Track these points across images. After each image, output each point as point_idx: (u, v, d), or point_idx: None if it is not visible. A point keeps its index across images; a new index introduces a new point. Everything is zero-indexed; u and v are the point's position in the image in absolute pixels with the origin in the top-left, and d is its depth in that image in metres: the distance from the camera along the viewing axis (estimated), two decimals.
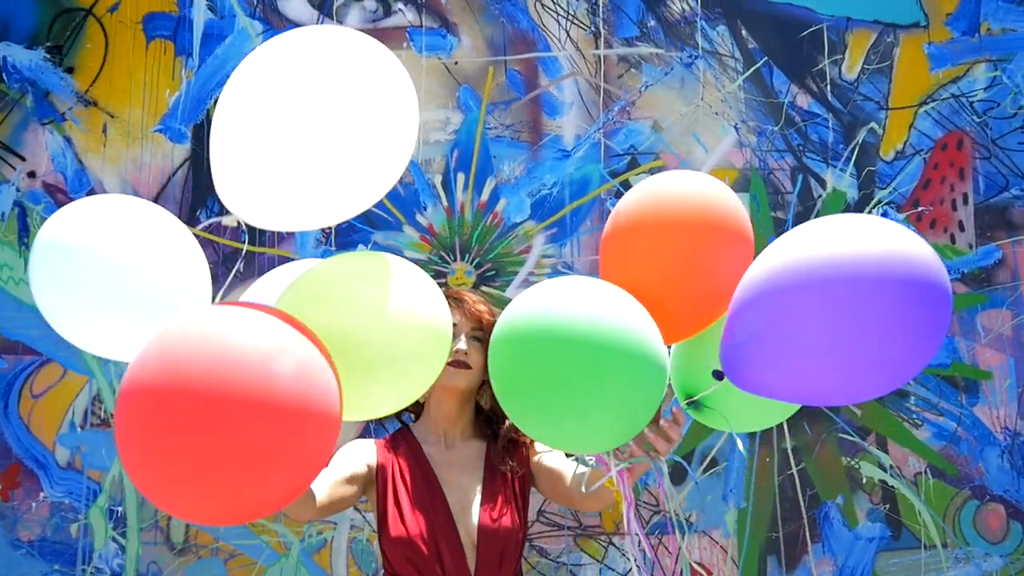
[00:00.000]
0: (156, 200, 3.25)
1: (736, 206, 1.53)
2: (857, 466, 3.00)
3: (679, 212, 1.47)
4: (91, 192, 3.24)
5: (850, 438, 3.04)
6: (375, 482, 1.79)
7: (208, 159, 3.18)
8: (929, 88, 3.25)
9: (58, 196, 3.24)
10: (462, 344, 1.76)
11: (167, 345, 1.19)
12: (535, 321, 1.36)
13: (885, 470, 3.01)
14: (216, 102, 3.26)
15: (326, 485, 1.68)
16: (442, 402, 1.82)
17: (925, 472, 3.01)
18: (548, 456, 1.85)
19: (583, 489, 1.55)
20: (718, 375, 1.41)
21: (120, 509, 3.05)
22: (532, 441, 1.81)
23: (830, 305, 1.17)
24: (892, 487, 3.03)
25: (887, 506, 3.03)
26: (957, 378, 3.06)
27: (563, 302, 1.36)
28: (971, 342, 3.09)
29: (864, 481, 3.03)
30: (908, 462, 3.01)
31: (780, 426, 3.09)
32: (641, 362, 1.33)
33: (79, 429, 3.10)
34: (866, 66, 3.28)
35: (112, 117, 3.29)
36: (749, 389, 1.34)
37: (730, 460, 3.03)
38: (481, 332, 1.79)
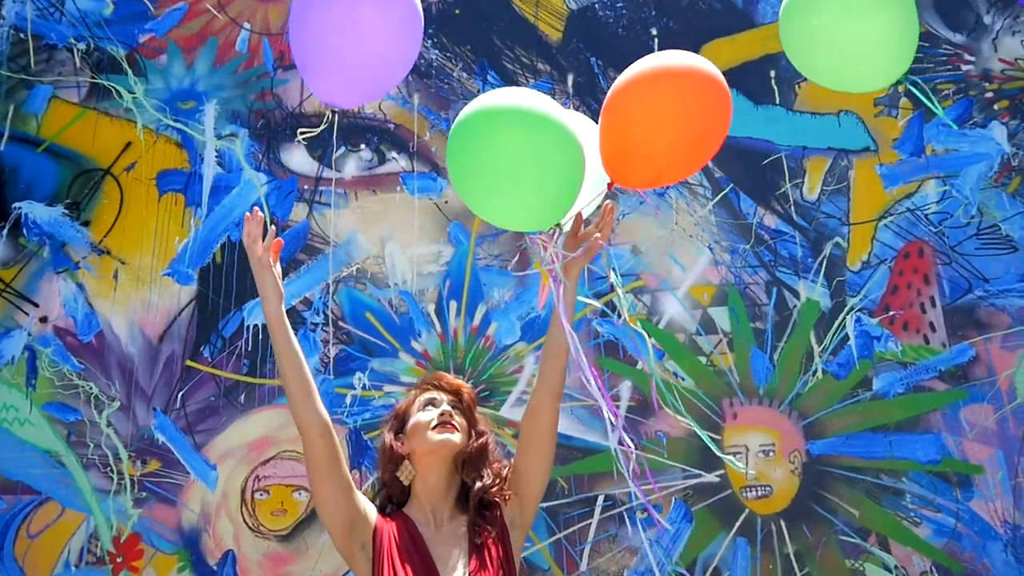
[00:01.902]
0: (161, 338, 3.82)
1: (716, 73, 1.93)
2: (862, 568, 3.30)
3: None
4: (99, 334, 3.82)
5: (852, 540, 3.38)
6: (371, 543, 2.01)
7: (212, 299, 3.79)
8: (885, 204, 3.92)
9: (67, 339, 3.79)
10: (446, 406, 2.09)
11: None
12: (475, 108, 1.85)
13: (890, 571, 3.32)
14: (223, 247, 3.94)
15: (338, 459, 1.97)
16: (428, 476, 2.08)
17: (931, 571, 3.31)
18: (514, 475, 2.10)
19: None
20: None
21: None
22: (503, 492, 2.17)
23: None
24: None
25: None
26: (949, 474, 3.45)
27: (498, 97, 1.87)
28: (958, 437, 3.51)
29: None
30: (913, 561, 3.32)
31: (780, 531, 3.45)
32: (560, 135, 1.76)
33: (73, 568, 3.43)
34: (825, 187, 3.98)
35: (123, 263, 3.92)
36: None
37: (733, 570, 3.35)
38: (461, 404, 2.18)
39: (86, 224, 3.94)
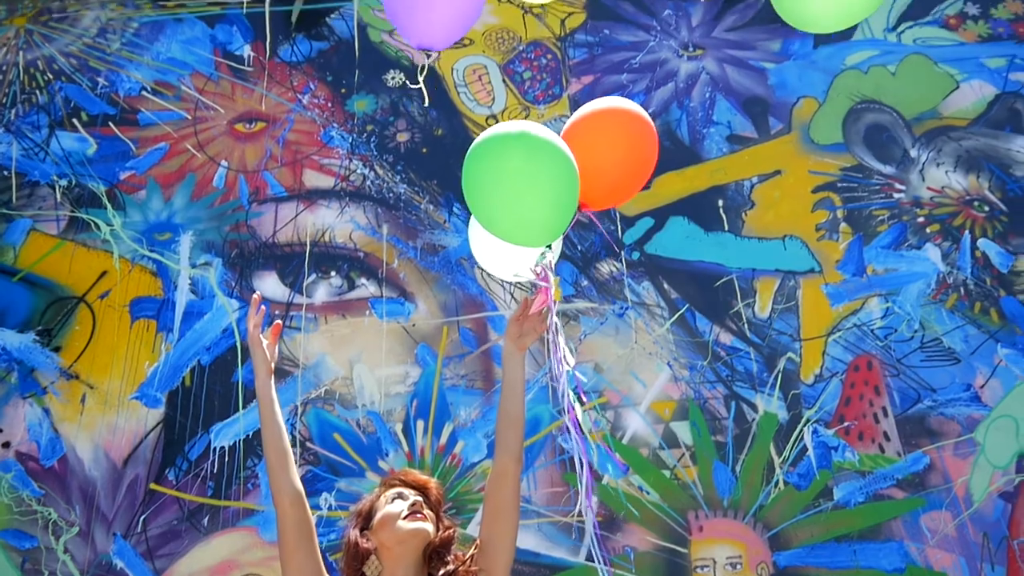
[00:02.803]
0: (126, 462, 3.98)
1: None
2: None
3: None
4: (63, 458, 3.97)
5: None
6: None
7: (180, 421, 3.99)
8: (833, 320, 4.31)
9: (29, 464, 3.93)
10: (416, 498, 2.23)
11: None
12: (484, 138, 2.11)
13: None
14: (192, 370, 4.18)
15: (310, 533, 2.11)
16: (397, 569, 2.14)
17: None
18: (481, 551, 2.18)
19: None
20: None
21: None
22: (470, 571, 2.31)
23: None
24: None
25: None
26: None
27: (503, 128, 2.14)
28: (921, 544, 3.71)
29: None
30: None
31: None
32: (557, 158, 2.05)
33: None
34: (775, 306, 4.37)
35: (91, 388, 4.13)
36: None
37: None
38: (429, 499, 2.41)
39: (57, 350, 4.18)
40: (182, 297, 4.32)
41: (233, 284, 4.37)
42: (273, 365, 2.28)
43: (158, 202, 4.62)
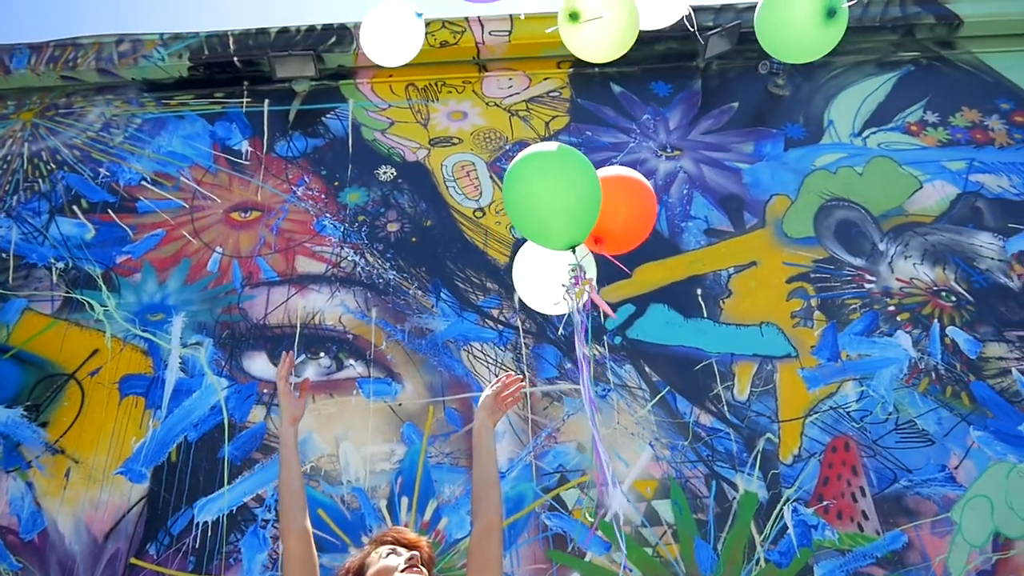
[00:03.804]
0: (107, 536, 4.08)
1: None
2: None
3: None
4: (43, 532, 4.06)
5: None
6: None
7: (164, 496, 4.12)
8: (810, 403, 4.56)
9: (8, 537, 4.02)
10: (411, 552, 2.56)
11: None
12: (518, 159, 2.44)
13: None
14: (179, 446, 4.34)
15: (314, 569, 2.27)
16: None
17: None
18: None
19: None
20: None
21: None
22: None
23: None
24: None
25: None
26: None
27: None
28: None
29: None
30: None
31: None
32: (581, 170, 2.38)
33: None
34: (754, 389, 4.62)
35: (76, 462, 4.27)
36: None
37: None
38: (423, 557, 2.59)
39: (44, 425, 4.34)
40: (172, 375, 4.53)
41: (223, 363, 4.59)
42: (300, 413, 2.56)
43: (152, 285, 4.88)
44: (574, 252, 2.56)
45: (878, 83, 6.00)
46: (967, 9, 6.08)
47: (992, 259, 5.08)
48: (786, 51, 2.78)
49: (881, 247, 5.13)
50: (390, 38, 3.05)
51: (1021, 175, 5.47)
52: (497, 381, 2.72)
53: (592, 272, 2.78)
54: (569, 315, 2.65)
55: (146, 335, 4.66)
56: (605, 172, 2.80)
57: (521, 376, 2.81)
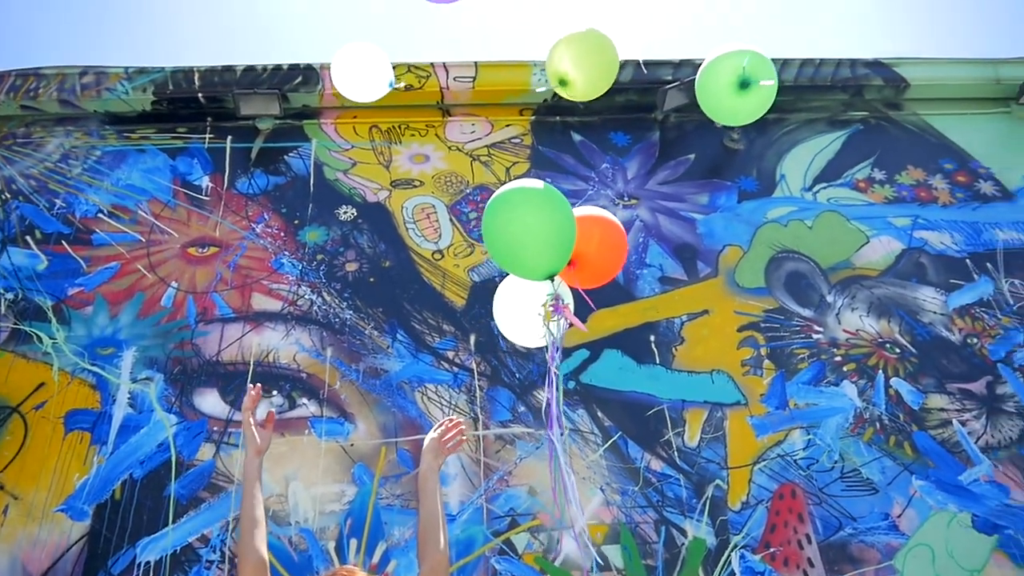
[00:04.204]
0: (45, 575, 3.99)
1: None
2: None
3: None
4: None
5: None
6: None
7: (106, 535, 4.05)
8: (758, 450, 4.64)
9: None
10: None
11: None
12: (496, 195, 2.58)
13: None
14: (123, 484, 4.27)
15: None
16: None
17: None
18: None
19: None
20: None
21: None
22: None
23: None
24: None
25: None
26: None
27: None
28: None
29: None
30: None
31: None
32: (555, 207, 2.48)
33: None
34: (704, 435, 4.70)
35: (16, 499, 4.16)
36: None
37: None
38: None
39: None
40: (120, 411, 4.47)
41: (173, 400, 4.55)
42: (266, 446, 2.65)
43: (104, 318, 4.84)
44: (552, 281, 2.68)
45: (828, 140, 6.22)
46: (913, 73, 6.35)
47: (935, 313, 5.25)
48: (718, 115, 3.02)
49: (829, 299, 5.28)
50: (360, 75, 3.16)
51: (963, 233, 5.68)
52: (440, 424, 2.84)
53: (569, 299, 2.89)
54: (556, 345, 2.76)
55: (95, 369, 4.61)
56: (579, 211, 2.94)
57: (461, 421, 2.91)
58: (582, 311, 4.61)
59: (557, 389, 2.69)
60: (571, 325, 2.74)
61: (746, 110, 2.95)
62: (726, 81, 2.89)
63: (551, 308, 2.72)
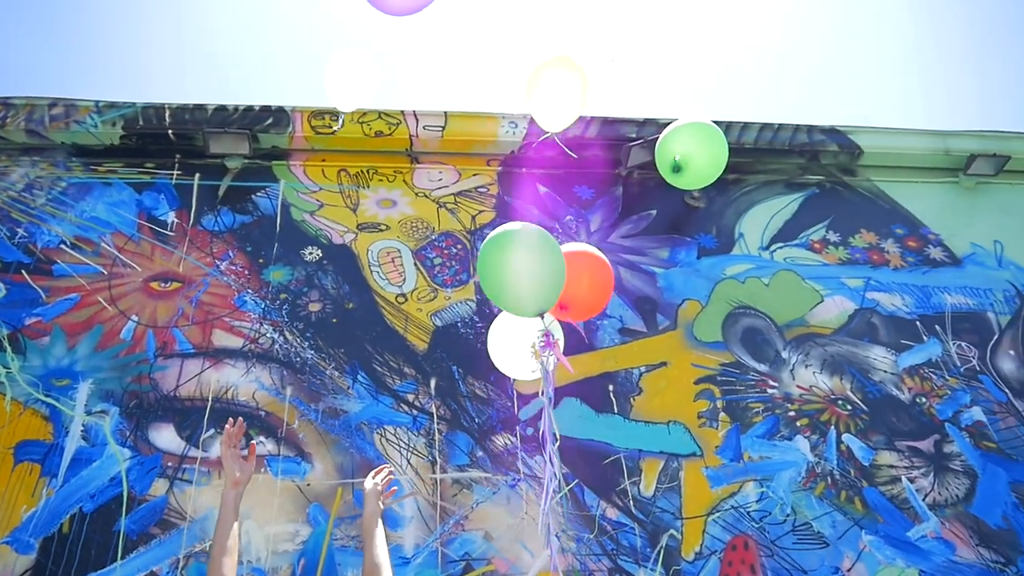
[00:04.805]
0: None
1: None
2: None
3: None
4: None
5: None
6: None
7: (51, 569, 3.99)
8: (713, 501, 4.73)
9: None
10: None
11: None
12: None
13: None
14: (72, 517, 4.22)
15: None
16: None
17: None
18: None
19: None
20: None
21: None
22: None
23: None
24: None
25: None
26: None
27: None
28: None
29: None
30: None
31: None
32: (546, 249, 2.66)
33: None
34: (659, 485, 4.78)
35: None
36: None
37: None
38: None
39: None
40: (72, 443, 4.44)
41: (128, 434, 4.53)
42: (247, 478, 2.77)
43: (61, 349, 4.82)
44: (542, 318, 2.82)
45: (786, 202, 6.46)
46: (867, 141, 6.65)
47: (885, 372, 5.43)
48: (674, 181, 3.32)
49: (784, 355, 5.44)
50: (349, 80, 3.34)
51: (913, 296, 5.91)
52: (375, 472, 3.12)
53: (559, 335, 3.06)
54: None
55: (49, 400, 4.58)
56: (568, 248, 3.13)
57: (389, 467, 3.19)
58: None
59: (550, 419, 2.84)
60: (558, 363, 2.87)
61: (685, 183, 3.44)
62: (664, 167, 3.41)
63: (541, 344, 2.86)
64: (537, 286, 2.77)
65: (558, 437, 2.87)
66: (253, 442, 2.89)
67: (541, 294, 2.78)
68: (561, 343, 2.99)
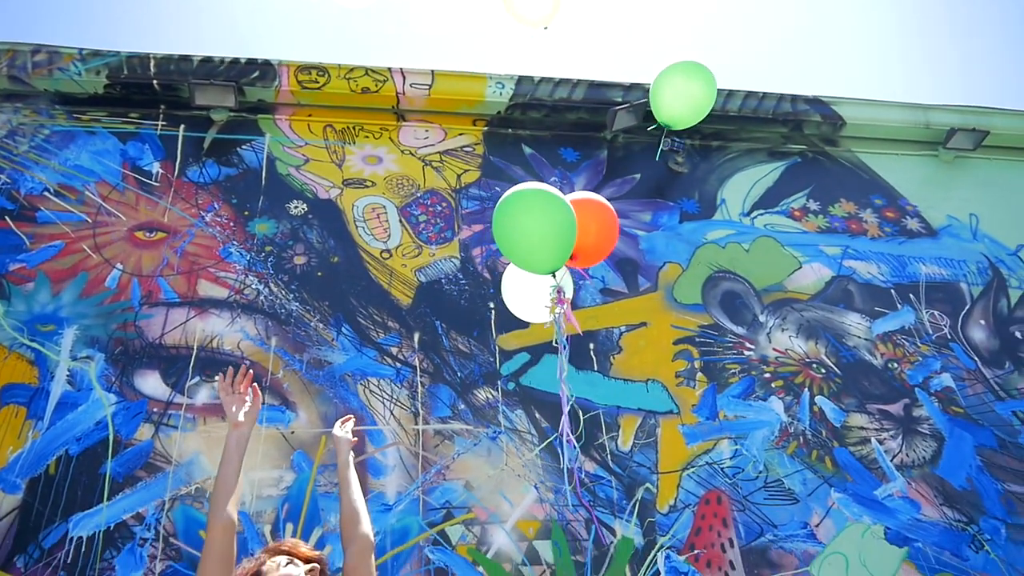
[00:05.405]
0: None
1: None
2: None
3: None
4: None
5: None
6: None
7: (38, 508, 4.08)
8: (688, 457, 4.90)
9: None
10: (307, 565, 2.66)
11: None
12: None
13: None
14: (58, 459, 4.30)
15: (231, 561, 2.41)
16: None
17: None
18: None
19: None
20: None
21: None
22: None
23: None
24: None
25: None
26: None
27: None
28: None
29: None
30: None
31: None
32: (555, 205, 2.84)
33: None
34: (636, 441, 4.94)
35: None
36: None
37: None
38: (322, 572, 2.71)
39: None
40: (58, 388, 4.50)
41: (113, 379, 4.60)
42: (247, 421, 2.84)
43: (45, 295, 4.87)
44: (554, 276, 2.97)
45: (768, 170, 6.60)
46: (850, 112, 6.79)
47: (859, 338, 5.61)
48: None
49: (761, 318, 5.60)
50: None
51: (888, 265, 6.09)
52: (341, 421, 3.31)
53: (569, 291, 3.33)
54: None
55: (34, 345, 4.64)
56: (573, 197, 3.35)
57: (352, 417, 3.42)
58: (510, 322, 4.85)
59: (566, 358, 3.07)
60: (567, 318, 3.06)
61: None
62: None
63: (556, 299, 3.02)
64: (550, 248, 2.92)
65: (570, 397, 3.03)
66: (255, 384, 2.94)
67: (554, 255, 2.93)
68: (571, 296, 3.21)
